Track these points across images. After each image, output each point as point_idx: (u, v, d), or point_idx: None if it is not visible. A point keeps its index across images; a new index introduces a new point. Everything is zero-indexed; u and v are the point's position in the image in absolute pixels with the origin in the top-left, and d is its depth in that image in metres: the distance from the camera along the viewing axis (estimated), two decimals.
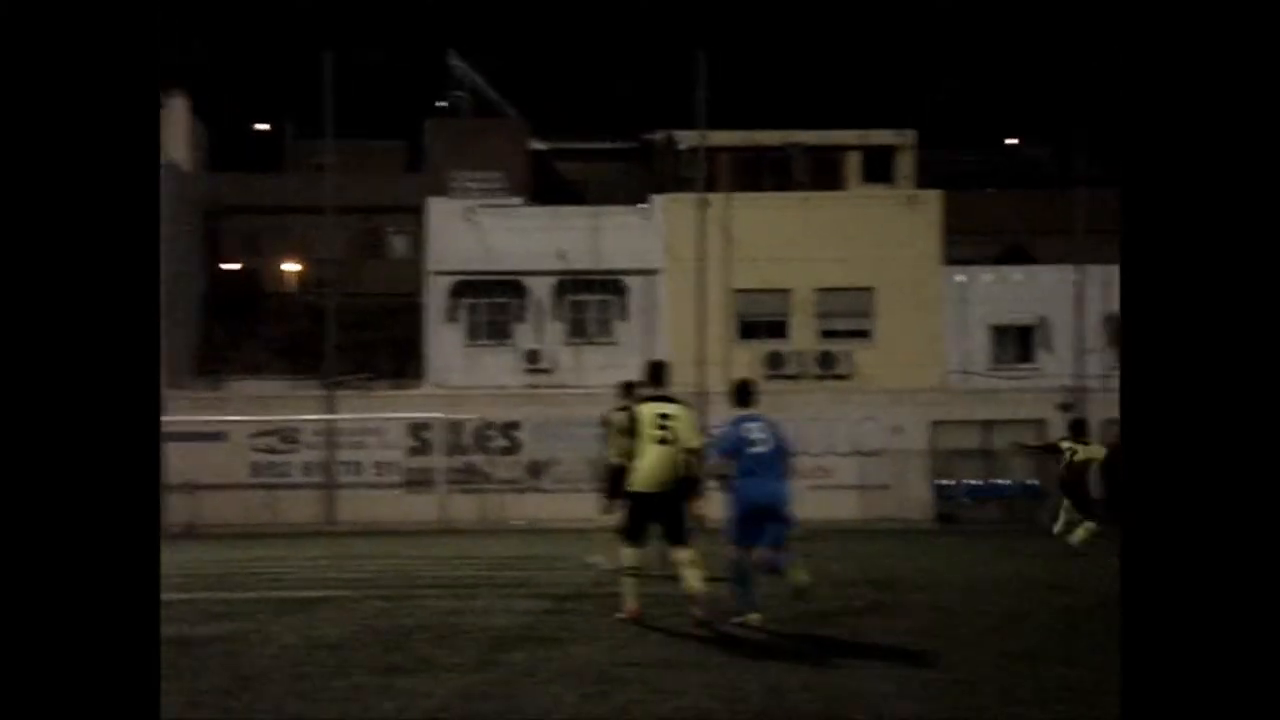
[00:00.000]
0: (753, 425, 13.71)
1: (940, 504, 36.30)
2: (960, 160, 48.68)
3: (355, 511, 37.60)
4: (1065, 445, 24.59)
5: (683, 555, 13.56)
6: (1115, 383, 37.64)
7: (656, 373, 14.34)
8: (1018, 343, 38.60)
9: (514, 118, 44.90)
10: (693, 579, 13.42)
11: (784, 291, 38.73)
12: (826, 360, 38.01)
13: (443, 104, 45.42)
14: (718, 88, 39.30)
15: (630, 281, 38.92)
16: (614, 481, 17.91)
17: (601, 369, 38.39)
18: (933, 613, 14.74)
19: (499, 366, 37.49)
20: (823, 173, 41.01)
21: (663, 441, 13.46)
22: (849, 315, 38.84)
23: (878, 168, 41.09)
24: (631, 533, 13.99)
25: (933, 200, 38.76)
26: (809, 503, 35.66)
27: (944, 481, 36.58)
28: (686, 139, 40.64)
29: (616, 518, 15.19)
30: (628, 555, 14.10)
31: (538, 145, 44.91)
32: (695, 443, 13.37)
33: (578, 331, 38.94)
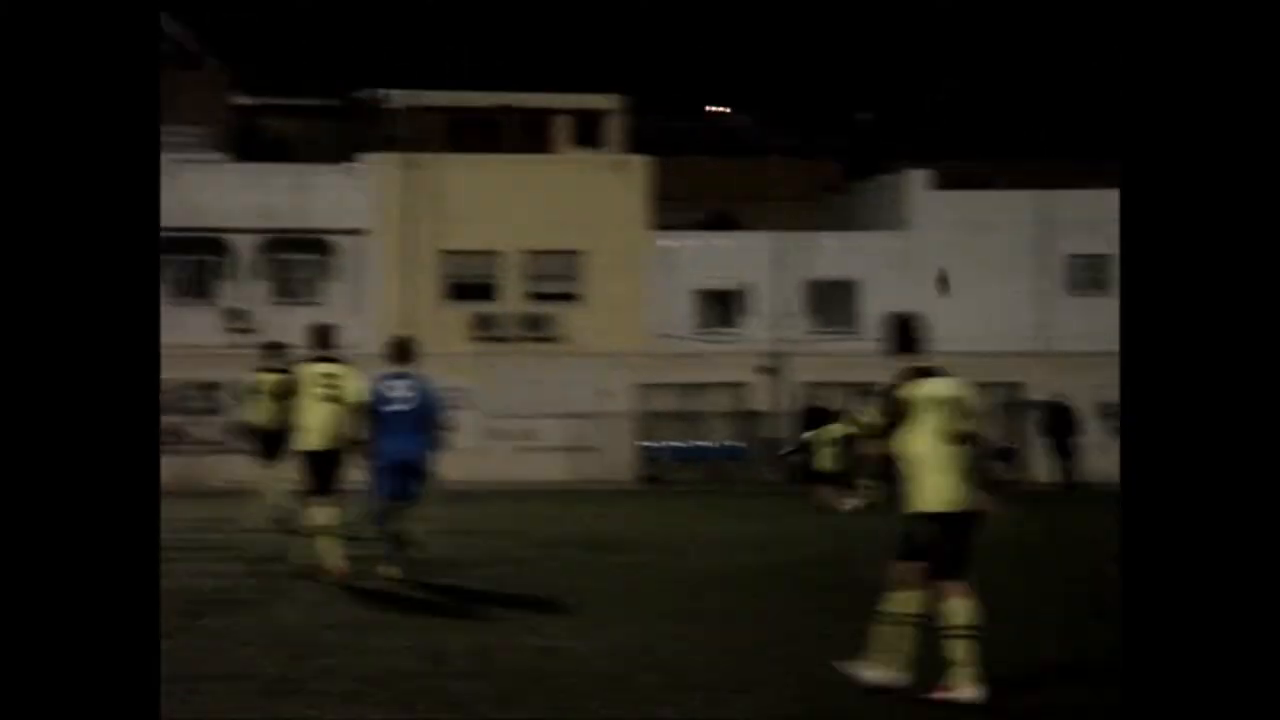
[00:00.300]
0: (397, 383, 14.01)
1: (646, 465, 36.88)
2: (667, 127, 49.34)
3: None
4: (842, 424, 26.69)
5: (324, 515, 14.00)
6: (813, 346, 38.82)
7: (322, 336, 14.67)
8: (721, 307, 39.42)
9: (216, 70, 43.76)
10: (324, 546, 13.95)
11: (493, 254, 38.71)
12: (535, 323, 38.17)
13: None
14: (428, 47, 39.00)
15: (338, 241, 38.35)
16: (269, 443, 18.19)
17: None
18: (632, 573, 15.04)
19: (200, 325, 36.56)
20: (533, 136, 41.05)
21: (329, 400, 14.05)
22: (558, 278, 39.06)
23: (587, 132, 41.32)
24: (317, 491, 14.06)
25: (640, 166, 39.20)
26: (518, 465, 35.93)
27: (649, 443, 37.19)
28: (396, 98, 40.20)
29: (284, 480, 15.37)
30: (319, 515, 14.07)
31: (242, 100, 43.82)
32: (356, 400, 13.84)
33: (283, 291, 38.21)
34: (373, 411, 13.89)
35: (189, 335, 33.79)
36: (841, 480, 25.91)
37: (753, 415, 37.52)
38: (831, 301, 39.47)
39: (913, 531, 8.70)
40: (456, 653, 9.83)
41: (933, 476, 8.64)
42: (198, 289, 37.98)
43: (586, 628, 10.95)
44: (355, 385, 14.10)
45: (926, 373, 9.03)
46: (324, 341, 14.86)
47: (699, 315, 39.28)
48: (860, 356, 37.60)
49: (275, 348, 19.87)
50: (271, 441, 18.00)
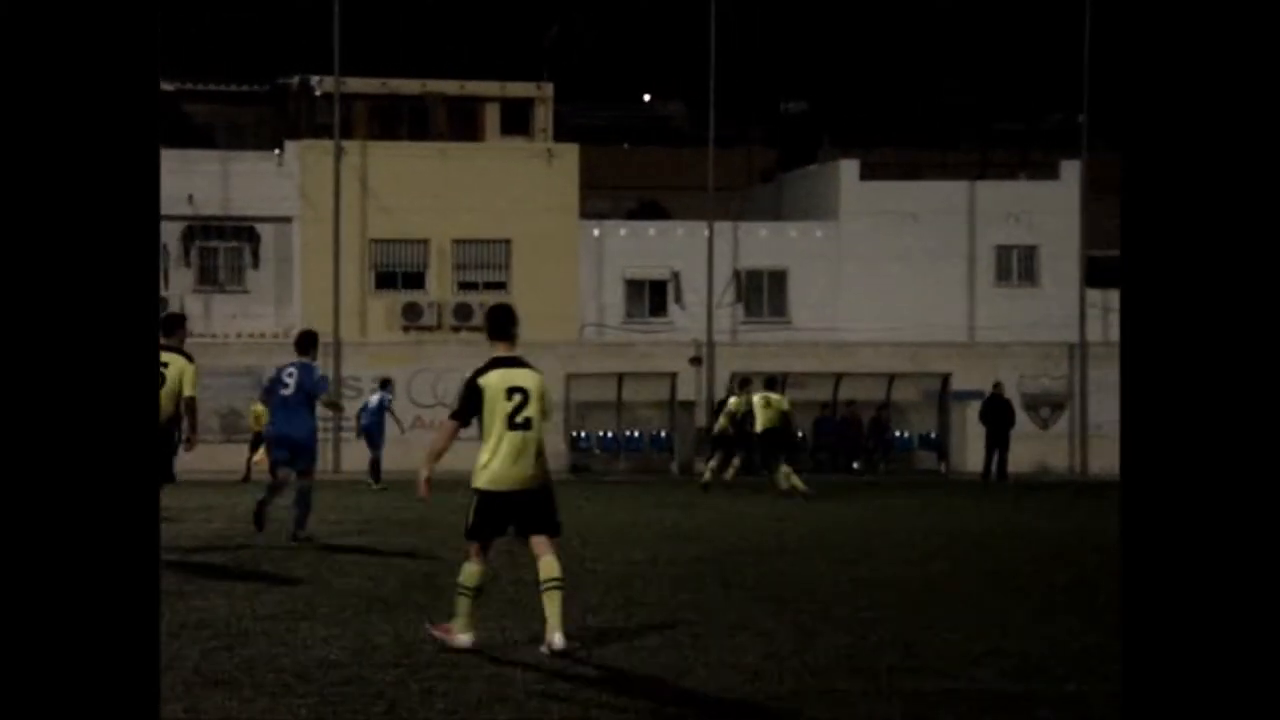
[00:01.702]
0: (290, 369, 16.34)
1: (574, 455, 36.76)
2: (596, 115, 49.25)
3: None
4: (734, 402, 27.31)
5: None
6: (742, 337, 38.83)
7: (168, 324, 15.27)
8: (651, 296, 39.37)
9: None
10: None
11: (421, 242, 38.47)
12: (463, 311, 37.95)
13: None
14: (355, 32, 38.65)
15: (263, 229, 37.98)
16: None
17: (232, 318, 37.43)
18: (563, 563, 14.90)
19: None
20: (461, 123, 40.82)
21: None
22: (486, 267, 38.89)
23: (516, 120, 41.14)
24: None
25: (569, 154, 39.09)
26: (447, 455, 35.56)
27: (578, 433, 37.07)
28: (322, 84, 39.83)
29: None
30: None
31: (165, 86, 43.31)
32: (189, 392, 14.47)
33: (207, 279, 37.83)
34: (268, 395, 16.62)
35: None
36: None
37: (683, 405, 37.44)
38: (761, 291, 39.52)
39: (478, 511, 9.64)
40: (383, 644, 9.68)
41: (498, 459, 9.49)
42: None
43: (517, 618, 10.82)
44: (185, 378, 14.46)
45: (508, 362, 9.64)
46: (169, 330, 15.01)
47: (628, 305, 39.22)
48: (790, 346, 37.75)
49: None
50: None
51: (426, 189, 37.95)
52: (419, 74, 41.33)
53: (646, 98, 57.15)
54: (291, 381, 16.10)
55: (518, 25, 47.75)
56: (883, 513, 22.50)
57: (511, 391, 9.45)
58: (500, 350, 9.72)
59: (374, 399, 29.42)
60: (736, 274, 39.22)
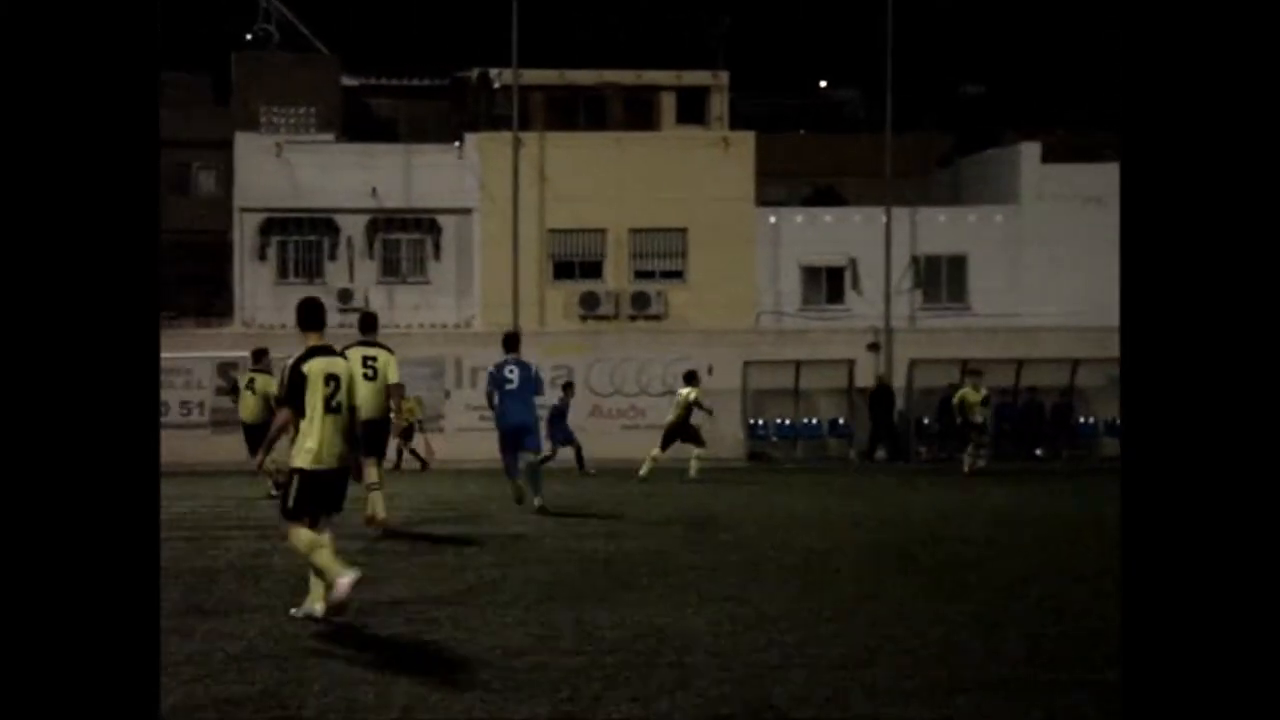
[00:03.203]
0: (511, 366, 18.68)
1: (751, 443, 36.74)
2: (772, 102, 49.05)
3: (161, 452, 36.73)
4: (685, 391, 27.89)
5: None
6: (920, 324, 38.45)
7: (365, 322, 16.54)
8: (828, 283, 39.14)
9: (324, 53, 44.12)
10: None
11: (598, 231, 38.74)
12: (640, 300, 38.14)
13: (250, 36, 44.40)
14: (532, 25, 39.04)
15: (444, 220, 38.55)
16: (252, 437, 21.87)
17: (415, 308, 38.06)
18: (742, 550, 14.95)
19: None
20: (637, 113, 40.99)
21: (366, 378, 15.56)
22: (663, 256, 39.00)
23: (691, 109, 41.16)
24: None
25: (746, 142, 39.00)
26: (623, 442, 35.85)
27: (755, 421, 37.03)
28: (500, 77, 40.29)
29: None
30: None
31: (349, 81, 44.15)
32: (394, 379, 16.08)
33: (390, 271, 38.52)
34: (496, 390, 18.82)
35: None
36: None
37: (861, 392, 37.20)
38: (940, 277, 39.07)
39: (285, 484, 10.42)
40: (565, 631, 9.80)
41: (318, 440, 10.25)
42: (307, 269, 38.35)
43: (693, 605, 10.88)
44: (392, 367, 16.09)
45: (323, 351, 10.49)
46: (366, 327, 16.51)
47: (805, 292, 39.05)
48: (969, 332, 37.26)
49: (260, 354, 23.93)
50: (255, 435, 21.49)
51: (603, 179, 38.19)
52: (595, 65, 41.57)
53: (822, 84, 56.78)
54: (516, 377, 18.60)
55: (692, 14, 47.74)
56: (1062, 498, 22.11)
57: (329, 378, 10.34)
58: (313, 340, 10.56)
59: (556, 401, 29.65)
60: (915, 259, 38.82)
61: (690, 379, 28.05)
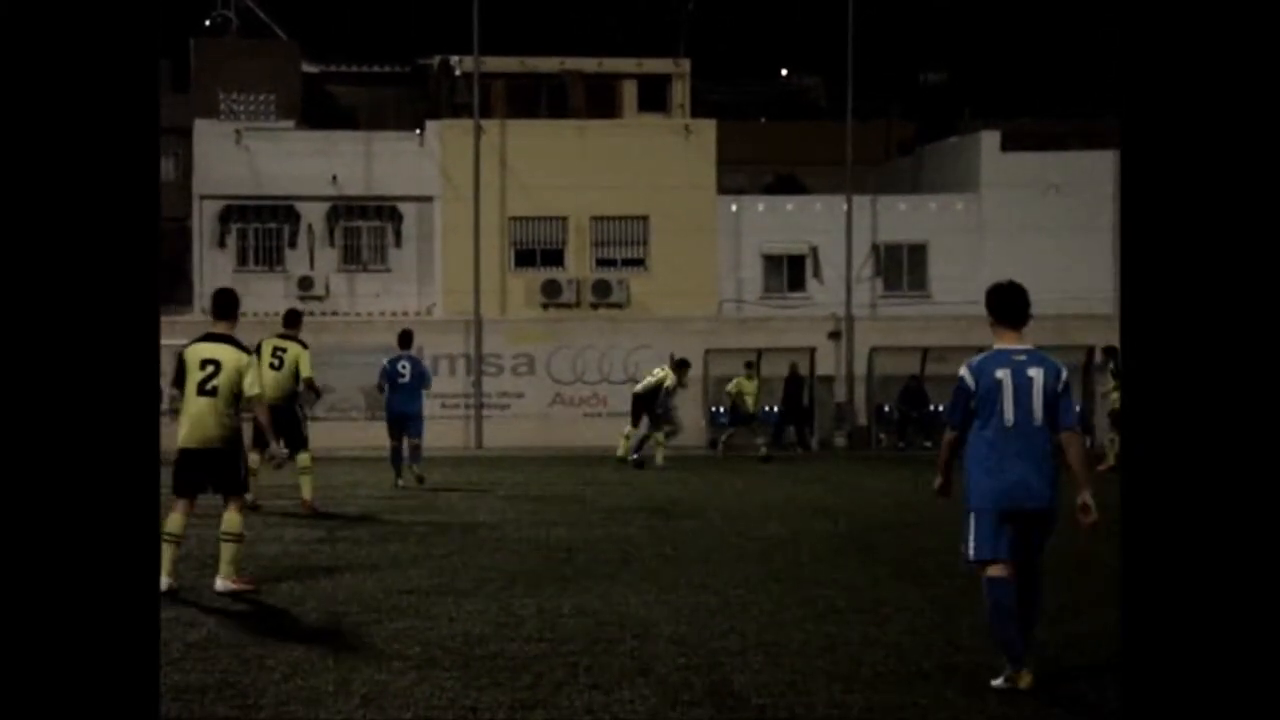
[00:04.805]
0: (404, 362, 21.11)
1: (713, 431, 36.76)
2: (733, 90, 49.08)
3: None
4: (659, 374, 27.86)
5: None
6: (881, 311, 38.55)
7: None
8: (789, 271, 39.18)
9: (284, 39, 43.89)
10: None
11: (560, 219, 38.66)
12: (602, 288, 38.09)
13: (209, 23, 44.11)
14: (494, 12, 38.91)
15: (405, 208, 38.40)
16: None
17: (376, 296, 37.93)
18: (705, 537, 14.98)
19: (270, 293, 36.70)
20: (598, 101, 40.90)
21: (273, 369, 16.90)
22: (624, 244, 38.96)
23: (653, 97, 41.11)
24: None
25: (707, 130, 38.97)
26: (586, 430, 35.87)
27: (716, 409, 37.03)
28: (462, 64, 40.12)
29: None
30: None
31: (309, 68, 43.93)
32: (306, 373, 17.28)
33: (351, 258, 38.36)
34: (389, 383, 21.18)
35: (260, 304, 33.90)
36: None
37: (822, 380, 37.27)
38: (901, 265, 39.19)
39: (176, 467, 10.83)
40: (526, 619, 9.81)
41: (188, 420, 10.92)
42: (267, 257, 38.17)
43: (655, 592, 10.90)
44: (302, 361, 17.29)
45: (214, 338, 11.09)
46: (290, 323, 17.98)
47: (766, 280, 39.10)
48: (930, 319, 37.39)
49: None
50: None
51: (565, 167, 38.13)
52: (557, 52, 41.49)
53: (784, 72, 56.83)
54: (406, 371, 21.15)
55: (654, 2, 47.74)
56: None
57: (205, 363, 10.94)
58: (220, 328, 11.22)
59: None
60: (875, 248, 38.92)
61: (680, 366, 27.88)
